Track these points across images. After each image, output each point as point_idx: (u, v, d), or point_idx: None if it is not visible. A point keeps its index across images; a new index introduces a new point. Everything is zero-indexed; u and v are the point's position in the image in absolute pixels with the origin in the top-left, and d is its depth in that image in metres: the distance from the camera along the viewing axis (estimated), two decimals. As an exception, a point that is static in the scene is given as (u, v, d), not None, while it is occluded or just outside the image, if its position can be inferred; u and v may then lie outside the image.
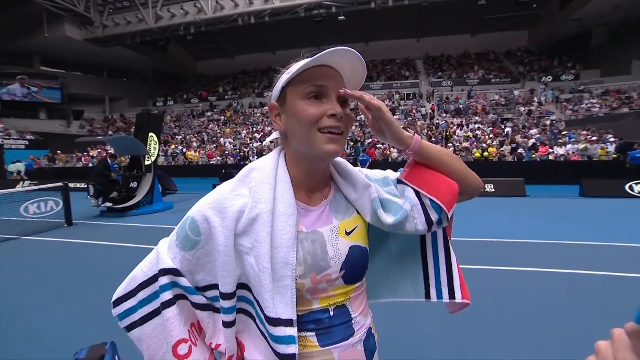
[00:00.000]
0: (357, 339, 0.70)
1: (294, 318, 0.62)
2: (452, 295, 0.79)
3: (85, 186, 12.42)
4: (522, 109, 18.26)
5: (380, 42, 27.50)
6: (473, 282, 3.34)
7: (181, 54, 30.03)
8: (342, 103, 0.67)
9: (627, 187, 9.17)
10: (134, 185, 8.09)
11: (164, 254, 0.66)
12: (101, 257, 4.58)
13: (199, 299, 0.66)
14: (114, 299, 0.69)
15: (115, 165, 8.68)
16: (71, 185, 8.87)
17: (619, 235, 5.09)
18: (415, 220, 0.72)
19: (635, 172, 10.27)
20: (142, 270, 0.69)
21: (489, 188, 10.09)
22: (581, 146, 12.26)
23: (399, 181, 0.78)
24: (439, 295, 0.80)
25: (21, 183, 13.96)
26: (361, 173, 0.77)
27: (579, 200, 8.94)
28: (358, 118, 19.84)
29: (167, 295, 0.64)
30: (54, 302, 3.16)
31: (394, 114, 19.62)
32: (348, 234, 0.71)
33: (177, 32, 21.57)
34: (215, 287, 0.66)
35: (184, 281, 0.65)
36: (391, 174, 0.82)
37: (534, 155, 12.81)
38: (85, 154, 19.00)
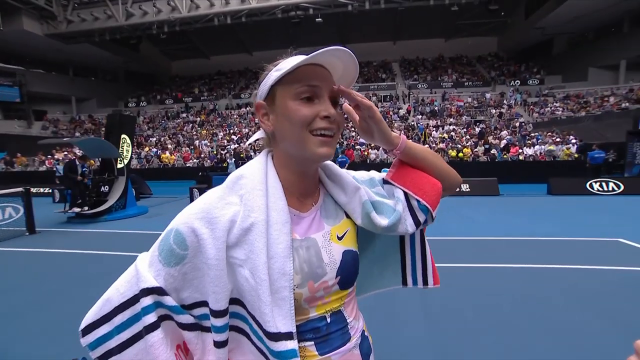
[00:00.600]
0: (354, 343, 0.70)
1: (294, 330, 0.59)
2: (425, 281, 0.86)
3: (50, 191, 11.67)
4: (494, 111, 19.15)
5: (357, 44, 27.89)
6: (451, 280, 3.42)
7: (154, 53, 28.98)
8: (333, 104, 0.65)
9: (587, 185, 9.82)
10: (105, 189, 7.66)
11: (145, 270, 0.60)
12: (69, 266, 4.27)
13: (186, 318, 0.60)
14: (82, 325, 0.60)
15: (85, 169, 8.18)
16: (33, 190, 8.27)
17: (583, 230, 5.43)
18: (406, 221, 0.73)
19: (594, 171, 11.06)
20: (119, 291, 0.61)
21: (465, 188, 10.46)
22: (548, 147, 13.02)
23: (384, 181, 0.78)
24: (415, 282, 0.87)
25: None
26: (349, 175, 0.76)
27: (546, 197, 9.46)
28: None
29: (150, 318, 0.58)
30: (12, 317, 2.90)
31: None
32: (340, 238, 0.70)
33: (149, 30, 20.79)
34: (203, 304, 0.61)
35: (168, 300, 0.59)
36: (376, 175, 0.82)
37: (505, 156, 13.45)
38: (49, 156, 17.81)
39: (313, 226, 0.68)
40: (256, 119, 0.71)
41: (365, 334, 0.76)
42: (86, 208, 7.21)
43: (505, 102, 20.04)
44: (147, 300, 0.57)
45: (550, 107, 18.62)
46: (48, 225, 6.81)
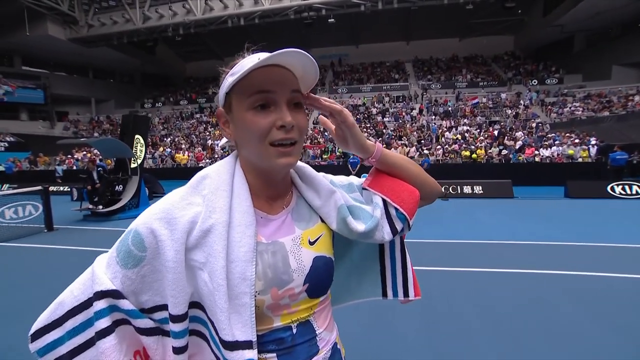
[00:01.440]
0: (322, 357, 0.66)
1: (254, 339, 0.56)
2: (406, 293, 0.83)
3: (69, 189, 12.10)
4: (509, 111, 18.65)
5: (369, 44, 27.76)
6: (459, 284, 3.33)
7: (169, 56, 29.64)
8: (294, 106, 0.61)
9: (608, 188, 9.42)
10: (119, 188, 7.88)
11: (101, 272, 0.57)
12: (84, 263, 4.39)
13: (144, 322, 0.57)
14: (32, 330, 0.56)
15: (100, 169, 8.45)
16: (53, 188, 8.61)
17: (602, 236, 5.21)
18: (383, 229, 0.70)
19: (616, 173, 10.59)
20: (73, 294, 0.58)
21: (477, 189, 10.22)
22: (569, 151, 12.54)
23: (363, 188, 0.76)
24: (395, 294, 0.83)
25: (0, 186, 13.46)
26: (325, 178, 0.74)
27: (564, 201, 9.14)
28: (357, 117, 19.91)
29: (102, 323, 0.54)
30: (29, 311, 3.01)
31: (383, 116, 19.91)
32: (311, 243, 0.66)
33: (165, 33, 21.27)
34: (163, 307, 0.58)
35: (125, 304, 0.55)
36: (355, 180, 0.80)
37: (520, 157, 13.07)
38: (69, 156, 18.48)
39: (282, 229, 0.64)
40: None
41: (338, 346, 0.72)
42: (100, 207, 7.43)
43: (521, 102, 19.48)
44: (100, 304, 0.54)
45: (570, 107, 17.98)
46: (65, 223, 7.06)
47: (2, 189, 12.52)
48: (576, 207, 7.96)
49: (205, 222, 0.57)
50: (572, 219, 6.61)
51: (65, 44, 22.05)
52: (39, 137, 22.73)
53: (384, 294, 0.84)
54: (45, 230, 6.36)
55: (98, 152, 9.50)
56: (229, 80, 0.59)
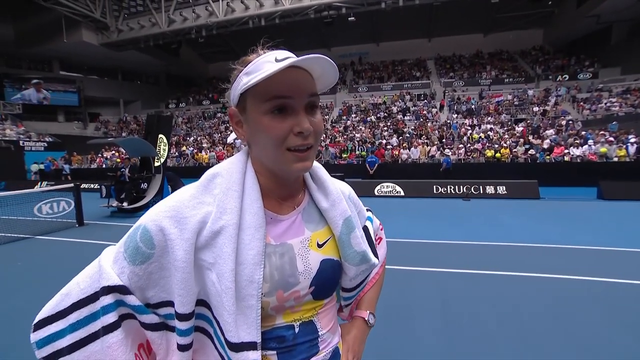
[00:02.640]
0: (321, 358, 0.65)
1: (258, 340, 0.56)
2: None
3: (99, 187, 12.79)
4: (536, 108, 17.77)
5: (390, 42, 27.29)
6: (480, 287, 3.21)
7: (193, 57, 30.53)
8: (311, 109, 0.59)
9: (648, 189, 8.77)
10: (144, 186, 8.23)
11: (108, 267, 0.57)
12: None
13: (150, 318, 0.57)
14: (36, 319, 0.56)
15: (123, 169, 8.89)
16: (85, 185, 9.11)
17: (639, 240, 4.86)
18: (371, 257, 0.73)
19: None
20: (79, 286, 0.57)
21: (501, 190, 9.84)
22: (601, 150, 11.76)
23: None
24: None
25: (39, 183, 14.42)
26: (334, 183, 0.72)
27: (596, 202, 8.61)
28: (367, 119, 19.73)
29: (110, 318, 0.55)
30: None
31: (404, 115, 19.54)
32: (320, 246, 0.65)
33: (188, 35, 21.93)
34: (169, 303, 0.58)
35: (131, 299, 0.55)
36: (364, 210, 0.83)
37: (547, 157, 12.42)
38: (99, 155, 19.49)
39: (291, 231, 0.64)
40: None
41: (340, 351, 0.71)
42: (125, 204, 7.78)
43: (551, 98, 18.49)
44: (107, 299, 0.55)
45: (605, 103, 16.86)
46: (95, 219, 7.46)
47: (41, 186, 13.40)
48: (611, 209, 7.47)
49: (216, 223, 0.57)
50: (606, 222, 6.21)
51: (97, 48, 23.29)
52: (74, 137, 24.16)
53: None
54: (77, 225, 6.74)
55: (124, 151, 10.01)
56: (243, 79, 0.58)
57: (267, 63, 0.55)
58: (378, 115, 20.08)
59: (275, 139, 0.56)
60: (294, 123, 0.56)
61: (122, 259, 0.57)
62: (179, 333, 0.57)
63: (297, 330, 0.63)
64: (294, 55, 0.57)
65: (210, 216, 0.57)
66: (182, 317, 0.56)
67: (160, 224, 0.55)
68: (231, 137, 0.75)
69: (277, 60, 0.54)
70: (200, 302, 0.59)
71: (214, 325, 0.59)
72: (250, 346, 0.55)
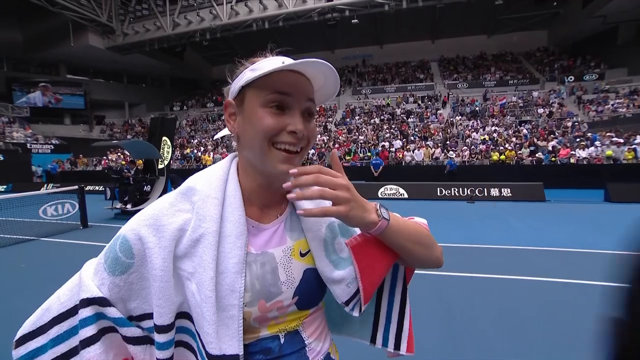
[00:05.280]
0: None
1: (241, 353, 0.54)
2: (397, 346, 0.73)
3: (102, 189, 12.90)
4: (541, 110, 17.62)
5: (394, 44, 27.30)
6: (483, 291, 3.16)
7: (197, 60, 30.76)
8: (308, 115, 0.60)
9: (656, 191, 8.63)
10: (147, 188, 8.27)
11: (88, 279, 0.55)
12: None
13: (132, 331, 0.55)
14: (17, 336, 0.54)
15: (126, 170, 8.95)
16: (89, 188, 9.19)
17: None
18: (345, 287, 0.63)
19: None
20: (59, 300, 0.56)
21: (505, 192, 9.75)
22: (606, 152, 11.60)
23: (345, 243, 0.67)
24: (385, 343, 0.74)
25: (45, 185, 14.58)
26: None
27: (602, 205, 8.49)
28: (371, 121, 19.70)
29: (88, 331, 0.53)
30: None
31: (408, 117, 19.48)
32: (303, 255, 0.63)
33: (193, 38, 22.11)
34: (152, 316, 0.56)
35: (112, 312, 0.54)
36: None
37: (553, 159, 12.29)
38: (104, 157, 19.67)
39: (273, 240, 0.62)
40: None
41: (331, 356, 0.69)
42: (128, 206, 7.82)
43: (556, 100, 18.32)
44: (86, 312, 0.53)
45: (612, 104, 16.67)
46: (98, 220, 7.50)
47: (48, 188, 13.55)
48: (618, 212, 7.35)
49: (195, 232, 0.55)
50: (613, 224, 6.10)
51: (103, 52, 23.58)
52: (80, 139, 24.47)
53: (373, 340, 0.75)
54: (81, 227, 6.78)
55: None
56: (247, 74, 0.58)
57: (274, 65, 0.55)
58: (382, 117, 20.05)
59: (266, 129, 0.56)
60: (290, 122, 0.57)
61: (103, 270, 0.56)
62: (157, 347, 0.55)
63: (282, 340, 0.61)
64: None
65: (190, 224, 0.56)
66: (160, 329, 0.54)
67: (139, 233, 0.55)
68: (220, 134, 0.74)
69: (283, 63, 0.55)
70: (184, 315, 0.58)
71: (197, 339, 0.57)
72: (232, 359, 0.53)
